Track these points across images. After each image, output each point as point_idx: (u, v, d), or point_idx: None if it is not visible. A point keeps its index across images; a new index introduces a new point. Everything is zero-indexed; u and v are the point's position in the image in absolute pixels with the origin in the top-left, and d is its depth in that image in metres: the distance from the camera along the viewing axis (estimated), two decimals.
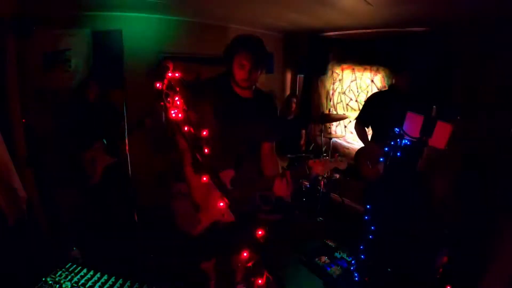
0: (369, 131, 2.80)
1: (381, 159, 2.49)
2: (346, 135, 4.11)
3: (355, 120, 2.83)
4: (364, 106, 2.78)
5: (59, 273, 1.24)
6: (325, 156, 1.63)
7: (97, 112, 2.71)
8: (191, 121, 1.21)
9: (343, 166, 1.43)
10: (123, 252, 2.59)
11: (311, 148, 4.13)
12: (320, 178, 3.42)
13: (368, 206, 2.31)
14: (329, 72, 4.21)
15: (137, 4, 2.87)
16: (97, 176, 2.71)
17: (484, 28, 2.59)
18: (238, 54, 1.50)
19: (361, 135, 2.74)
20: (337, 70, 4.10)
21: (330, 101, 4.26)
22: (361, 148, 2.78)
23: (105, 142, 2.73)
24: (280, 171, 1.66)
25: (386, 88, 3.46)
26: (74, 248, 2.11)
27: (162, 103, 1.09)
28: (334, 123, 4.23)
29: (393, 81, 2.64)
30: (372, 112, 2.65)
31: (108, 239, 2.94)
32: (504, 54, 2.51)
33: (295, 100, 3.90)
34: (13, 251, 1.76)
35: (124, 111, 2.59)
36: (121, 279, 1.24)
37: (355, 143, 4.01)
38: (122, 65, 2.65)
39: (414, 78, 2.49)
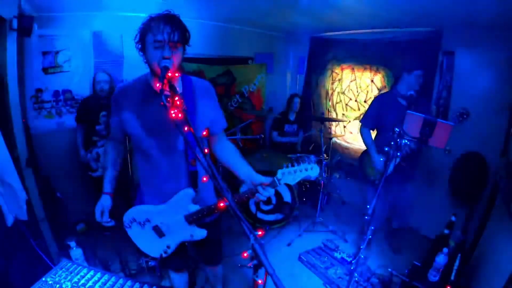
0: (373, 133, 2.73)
1: (382, 159, 2.50)
2: (346, 135, 4.11)
3: (360, 124, 2.72)
4: (369, 108, 2.67)
5: (59, 273, 1.23)
6: (303, 161, 1.37)
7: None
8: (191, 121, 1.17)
9: (314, 172, 1.31)
10: (123, 252, 2.59)
11: (311, 148, 4.13)
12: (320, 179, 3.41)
13: (368, 206, 2.30)
14: (328, 72, 4.21)
15: (137, 4, 2.86)
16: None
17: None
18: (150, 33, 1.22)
19: (367, 140, 2.63)
20: (337, 70, 4.10)
21: (330, 101, 4.26)
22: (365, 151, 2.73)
23: None
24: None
25: (387, 89, 3.47)
26: (74, 247, 2.11)
27: (162, 103, 1.08)
28: (334, 123, 4.24)
29: (399, 81, 2.53)
30: (378, 115, 2.56)
31: (108, 239, 2.94)
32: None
33: (299, 100, 3.92)
34: (13, 251, 1.76)
35: None
36: (121, 279, 1.24)
37: (355, 143, 4.01)
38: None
39: (423, 78, 2.41)
